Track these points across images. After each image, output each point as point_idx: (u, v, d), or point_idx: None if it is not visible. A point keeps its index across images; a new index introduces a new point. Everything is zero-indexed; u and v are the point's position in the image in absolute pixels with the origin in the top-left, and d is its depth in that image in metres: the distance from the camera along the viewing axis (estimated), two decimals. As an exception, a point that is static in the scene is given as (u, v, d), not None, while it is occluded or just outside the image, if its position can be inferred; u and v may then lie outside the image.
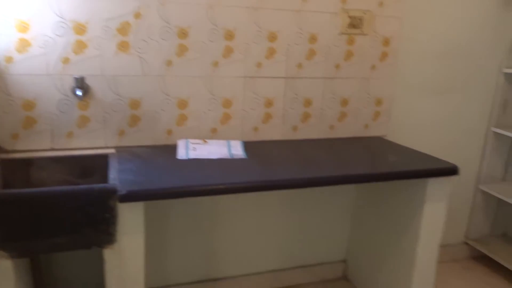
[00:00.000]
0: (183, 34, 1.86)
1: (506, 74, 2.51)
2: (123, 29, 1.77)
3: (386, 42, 2.21)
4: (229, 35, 1.93)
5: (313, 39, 2.07)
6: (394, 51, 2.24)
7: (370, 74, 2.22)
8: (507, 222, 2.82)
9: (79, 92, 1.72)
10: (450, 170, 1.83)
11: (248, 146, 1.97)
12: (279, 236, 2.30)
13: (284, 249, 2.32)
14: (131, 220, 1.42)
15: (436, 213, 1.88)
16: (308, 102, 2.15)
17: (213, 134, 2.03)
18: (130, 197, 1.37)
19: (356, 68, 2.19)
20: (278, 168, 1.70)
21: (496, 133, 2.59)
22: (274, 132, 2.13)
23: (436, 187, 1.84)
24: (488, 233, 2.80)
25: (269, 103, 2.08)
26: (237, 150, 1.88)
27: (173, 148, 1.87)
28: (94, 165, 1.77)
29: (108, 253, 1.43)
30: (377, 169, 1.77)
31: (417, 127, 2.44)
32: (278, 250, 2.32)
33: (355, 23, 2.13)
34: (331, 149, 2.05)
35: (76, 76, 1.73)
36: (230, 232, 2.19)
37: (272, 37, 2.00)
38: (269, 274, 2.32)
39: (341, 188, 2.34)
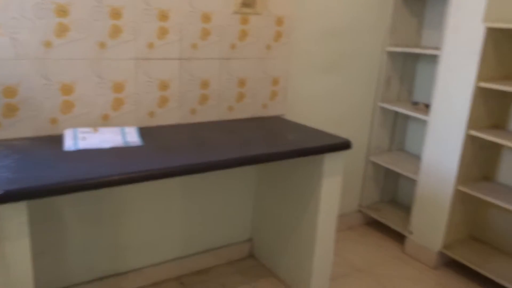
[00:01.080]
0: (62, 12, 1.68)
1: (388, 52, 2.70)
2: (-12, 5, 1.54)
3: (279, 21, 2.23)
4: (116, 14, 1.79)
5: (206, 18, 2.01)
6: (288, 31, 2.27)
7: (266, 54, 2.23)
8: (394, 189, 3.08)
9: None
10: (344, 145, 1.92)
11: (144, 132, 1.87)
12: (183, 222, 2.24)
13: (189, 235, 2.28)
14: (12, 223, 1.26)
15: (333, 186, 1.98)
16: (205, 84, 2.09)
17: (105, 121, 1.88)
18: (9, 197, 1.21)
19: (252, 48, 2.18)
20: (176, 154, 1.64)
21: (381, 108, 2.79)
22: (172, 116, 2.04)
23: (332, 161, 1.93)
24: (378, 200, 3.04)
25: (164, 86, 1.99)
26: (132, 137, 1.77)
27: (59, 139, 1.70)
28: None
29: (-13, 263, 1.26)
30: (276, 148, 1.79)
31: (312, 105, 2.52)
32: (183, 237, 2.26)
33: (248, 2, 2.11)
34: (231, 130, 2.03)
35: None
36: (132, 223, 2.08)
37: (163, 16, 1.90)
38: (175, 261, 2.26)
39: (242, 169, 2.35)
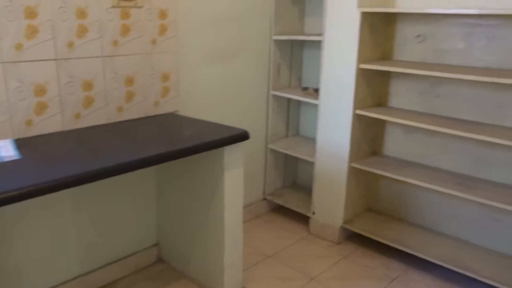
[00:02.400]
0: None
1: (275, 40, 2.76)
2: None
3: (163, 14, 2.13)
4: (-30, 12, 1.56)
5: (81, 13, 1.85)
6: (173, 23, 2.18)
7: (152, 49, 2.13)
8: (295, 173, 3.19)
9: None
10: (242, 136, 1.91)
11: (22, 144, 1.66)
12: (80, 237, 2.06)
13: (88, 249, 2.11)
14: None
15: (236, 178, 1.96)
16: (88, 85, 1.93)
17: (-29, 136, 1.64)
18: None
19: (136, 44, 2.06)
20: (61, 165, 1.48)
21: (274, 95, 2.85)
22: (53, 123, 1.85)
23: (232, 154, 1.91)
24: (281, 186, 3.12)
25: (40, 91, 1.79)
26: (7, 151, 1.56)
27: None
28: None
29: None
30: (173, 146, 1.71)
31: (207, 98, 2.48)
32: (82, 252, 2.09)
33: (127, -5, 1.98)
34: (123, 132, 1.91)
35: None
36: (20, 244, 1.85)
37: (30, 13, 1.70)
38: (76, 280, 2.08)
39: (140, 172, 2.23)
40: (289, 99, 2.96)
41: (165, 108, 2.25)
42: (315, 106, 2.64)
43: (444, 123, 2.19)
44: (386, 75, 2.54)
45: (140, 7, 2.04)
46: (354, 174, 2.56)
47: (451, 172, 2.37)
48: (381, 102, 2.59)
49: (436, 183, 2.22)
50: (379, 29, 2.43)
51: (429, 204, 2.51)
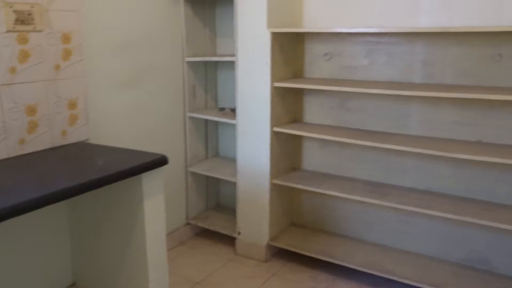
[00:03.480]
0: None
1: (188, 62, 2.73)
2: None
3: (66, 38, 2.01)
4: None
5: (-30, 39, 1.67)
6: (78, 48, 2.06)
7: (56, 75, 1.99)
8: (217, 195, 3.14)
9: None
10: (161, 161, 1.84)
11: None
12: (-18, 288, 1.83)
13: (-8, 301, 1.88)
14: None
15: (156, 206, 1.88)
16: (-18, 117, 1.74)
17: None
18: None
19: (37, 70, 1.91)
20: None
21: (191, 117, 2.81)
22: None
23: (150, 180, 1.82)
24: (205, 209, 3.05)
25: None
26: None
27: None
28: None
29: None
30: (84, 178, 1.59)
31: (120, 123, 2.37)
32: (-15, 305, 1.85)
33: (24, 19, 1.84)
34: (26, 167, 1.74)
35: None
36: None
37: None
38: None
39: (49, 208, 2.04)
40: (206, 120, 2.93)
41: (74, 137, 2.10)
42: (233, 126, 2.65)
43: (354, 135, 2.31)
44: (299, 92, 2.62)
45: (40, 31, 1.90)
46: (276, 190, 2.58)
47: (365, 181, 2.49)
48: (296, 118, 2.67)
49: (352, 193, 2.32)
50: (290, 48, 2.51)
51: (349, 213, 2.61)
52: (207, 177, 2.98)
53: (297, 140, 2.69)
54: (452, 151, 2.00)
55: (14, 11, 1.80)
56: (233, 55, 2.57)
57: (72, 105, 2.07)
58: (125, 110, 2.39)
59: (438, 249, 2.37)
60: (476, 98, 1.92)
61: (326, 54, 2.50)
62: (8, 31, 1.78)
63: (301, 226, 2.80)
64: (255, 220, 2.60)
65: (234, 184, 2.70)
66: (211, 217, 2.98)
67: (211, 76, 2.91)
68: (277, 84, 2.39)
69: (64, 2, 1.97)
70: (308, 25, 2.52)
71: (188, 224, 2.94)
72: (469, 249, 2.28)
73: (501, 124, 2.09)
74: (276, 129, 2.45)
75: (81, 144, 2.09)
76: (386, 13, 2.27)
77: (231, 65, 2.74)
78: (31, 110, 1.91)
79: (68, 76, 2.03)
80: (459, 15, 2.10)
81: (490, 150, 2.01)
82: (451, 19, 2.12)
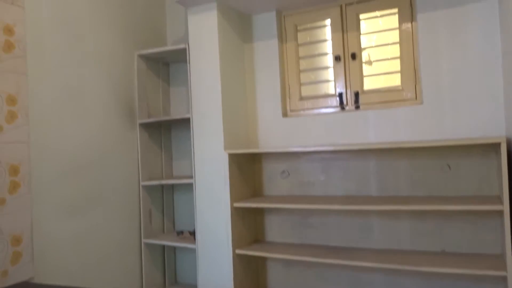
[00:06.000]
0: None
1: (144, 186, 2.66)
2: None
3: (14, 170, 1.91)
4: None
5: None
6: (25, 178, 1.96)
7: (0, 210, 1.85)
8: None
9: None
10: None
11: None
12: None
13: None
14: None
15: None
16: None
17: None
18: None
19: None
20: None
21: (147, 243, 2.65)
22: None
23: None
24: None
25: None
26: None
27: None
28: None
29: None
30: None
31: (69, 257, 2.18)
32: None
33: (-31, 153, 1.75)
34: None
35: None
36: None
37: None
38: None
39: None
40: (163, 246, 2.77)
41: (17, 277, 1.89)
42: (193, 250, 2.51)
43: (318, 253, 2.23)
44: (260, 211, 2.58)
45: (-14, 164, 1.80)
46: (242, 319, 2.39)
47: (335, 301, 2.37)
48: (258, 238, 2.58)
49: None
50: (247, 167, 2.53)
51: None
52: (165, 309, 2.73)
53: (261, 261, 2.58)
54: (417, 264, 1.97)
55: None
56: (190, 177, 2.54)
57: (16, 241, 1.90)
58: (75, 240, 2.22)
59: None
60: (431, 210, 1.95)
61: (283, 171, 2.53)
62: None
63: None
64: None
65: (195, 315, 2.47)
66: None
67: (168, 199, 2.84)
68: (237, 205, 2.34)
69: (13, 133, 1.92)
70: (264, 145, 2.59)
71: None
72: None
73: (462, 233, 2.10)
74: (238, 251, 2.34)
75: (24, 285, 1.87)
76: (338, 130, 2.38)
77: (188, 187, 2.70)
78: (-32, 251, 1.72)
79: (12, 211, 1.90)
80: (405, 130, 2.23)
81: (455, 260, 1.99)
82: (397, 134, 2.25)
